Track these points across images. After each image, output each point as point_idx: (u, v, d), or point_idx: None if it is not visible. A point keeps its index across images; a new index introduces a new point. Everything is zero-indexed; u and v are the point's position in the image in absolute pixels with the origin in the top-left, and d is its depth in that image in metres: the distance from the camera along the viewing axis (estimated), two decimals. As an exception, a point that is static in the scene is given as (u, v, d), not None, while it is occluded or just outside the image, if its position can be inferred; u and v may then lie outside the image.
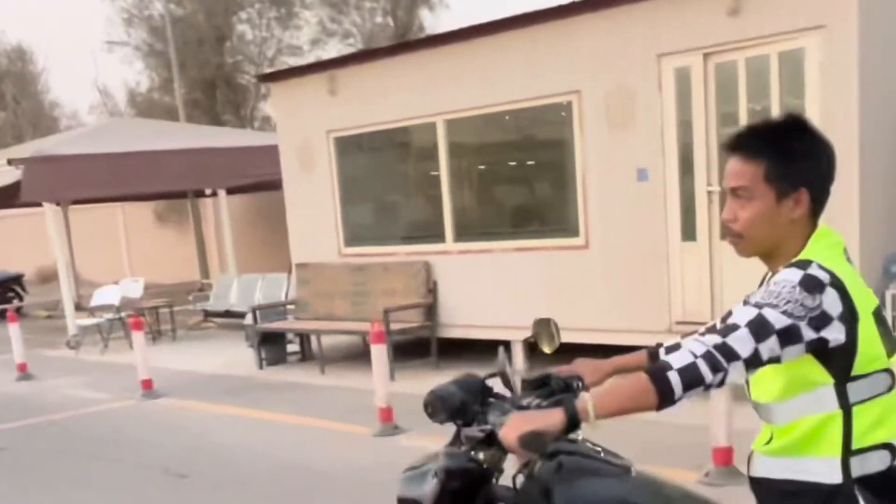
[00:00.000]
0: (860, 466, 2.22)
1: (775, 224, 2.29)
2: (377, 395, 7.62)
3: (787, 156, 2.29)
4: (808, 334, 2.11)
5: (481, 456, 2.28)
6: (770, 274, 2.39)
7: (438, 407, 2.42)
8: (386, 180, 11.54)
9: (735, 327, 2.12)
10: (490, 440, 2.30)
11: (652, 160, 8.62)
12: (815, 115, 7.55)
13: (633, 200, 8.75)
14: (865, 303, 2.20)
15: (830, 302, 2.14)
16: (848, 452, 2.22)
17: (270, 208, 16.32)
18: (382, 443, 7.32)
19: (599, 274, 8.99)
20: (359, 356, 11.45)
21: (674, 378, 2.06)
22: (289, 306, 12.15)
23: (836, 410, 2.22)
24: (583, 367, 2.61)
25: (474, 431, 2.32)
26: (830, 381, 2.20)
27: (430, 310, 10.20)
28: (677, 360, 2.09)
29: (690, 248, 8.42)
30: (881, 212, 7.75)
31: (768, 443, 2.34)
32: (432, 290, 10.28)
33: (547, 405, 2.32)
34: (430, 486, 2.40)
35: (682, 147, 8.51)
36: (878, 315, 2.25)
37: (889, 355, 2.23)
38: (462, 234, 10.28)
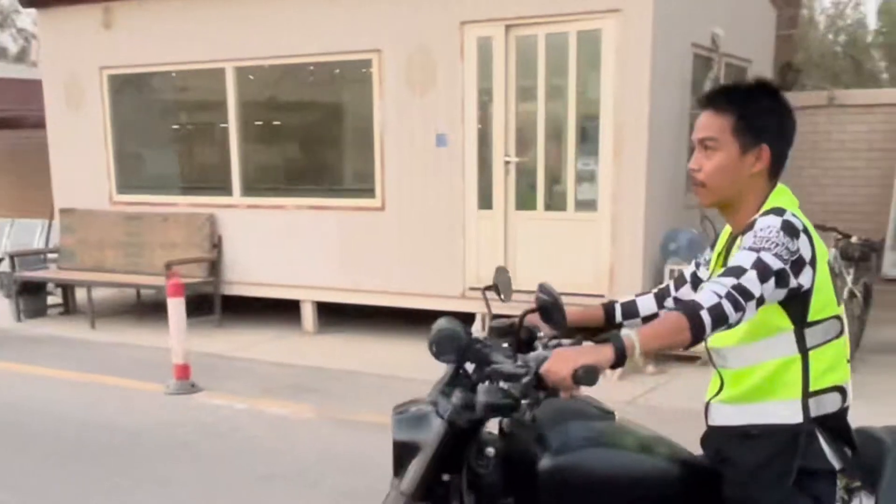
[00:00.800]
0: (816, 408, 2.40)
1: (737, 175, 2.45)
2: (174, 352, 7.28)
3: (753, 112, 2.45)
4: (791, 279, 2.28)
5: (516, 392, 2.23)
6: (730, 232, 2.55)
7: (447, 346, 2.37)
8: (167, 126, 10.88)
9: (742, 270, 2.24)
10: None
11: (451, 127, 8.73)
12: (608, 95, 8.07)
13: (431, 166, 8.83)
14: (822, 251, 2.38)
15: (804, 247, 2.32)
16: (806, 395, 2.39)
17: (29, 147, 14.91)
18: (180, 400, 7.06)
19: (395, 237, 9.03)
20: (131, 310, 10.89)
21: (705, 317, 2.17)
22: (50, 255, 11.26)
23: (795, 355, 2.39)
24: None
25: (509, 367, 2.28)
26: (791, 326, 2.37)
27: (214, 265, 9.83)
28: (705, 300, 2.20)
29: (486, 216, 8.65)
30: (664, 190, 8.33)
31: (719, 392, 2.49)
32: (217, 244, 9.90)
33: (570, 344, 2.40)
34: (436, 427, 2.36)
35: (481, 116, 8.68)
36: (829, 264, 2.45)
37: (837, 303, 2.44)
38: (251, 188, 9.94)
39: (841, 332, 2.44)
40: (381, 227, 9.13)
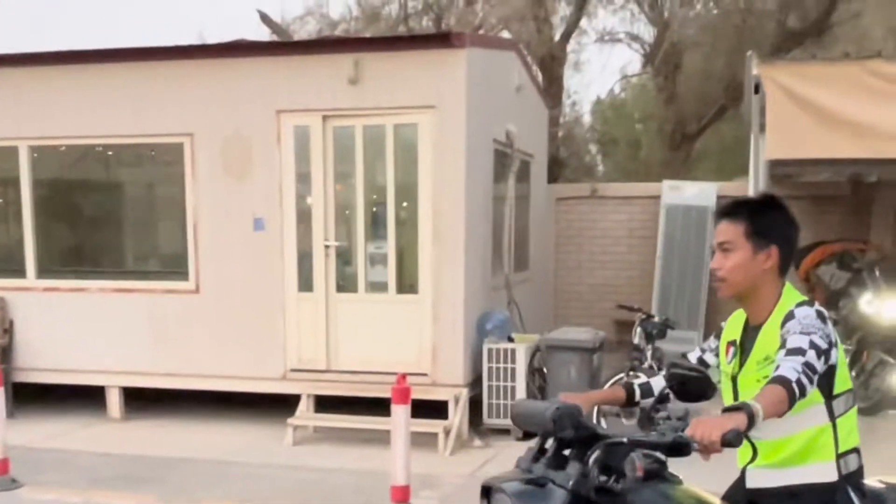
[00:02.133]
0: (845, 466, 2.93)
1: (751, 271, 2.97)
2: (-9, 446, 6.80)
3: (762, 220, 2.98)
4: (830, 358, 2.80)
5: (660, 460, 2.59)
6: (745, 321, 3.07)
7: (566, 422, 2.65)
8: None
9: (803, 350, 2.73)
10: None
11: (269, 211, 8.86)
12: (426, 183, 8.54)
13: (249, 249, 8.89)
14: (836, 335, 2.91)
15: (831, 332, 2.85)
16: (838, 456, 2.92)
17: None
18: (2, 498, 6.56)
19: (212, 319, 8.94)
20: None
21: (795, 388, 2.64)
22: None
23: (827, 423, 2.90)
24: (575, 398, 2.98)
25: (654, 437, 2.59)
26: (822, 399, 2.86)
27: (5, 351, 9.21)
28: (790, 375, 2.66)
29: (307, 299, 8.80)
30: (478, 273, 8.89)
31: (753, 459, 2.92)
32: (8, 329, 9.30)
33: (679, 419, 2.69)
34: (559, 498, 2.61)
35: (300, 201, 8.88)
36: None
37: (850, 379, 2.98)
38: (49, 270, 9.46)
39: (854, 402, 2.99)
40: (195, 310, 9.01)
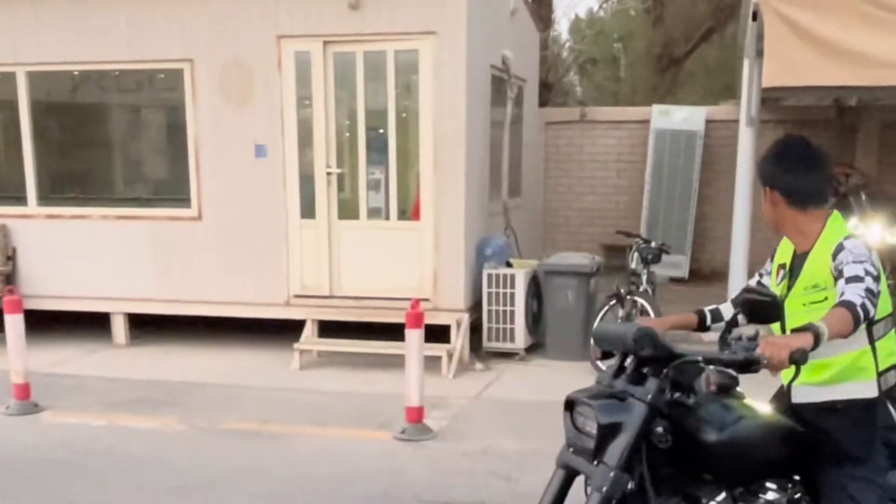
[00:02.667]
0: (884, 383, 3.21)
1: (769, 212, 3.34)
2: (13, 371, 6.95)
3: (761, 170, 3.37)
4: (879, 283, 3.05)
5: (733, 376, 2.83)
6: (793, 250, 3.32)
7: (646, 342, 2.94)
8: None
9: (861, 277, 2.98)
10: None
11: (271, 138, 8.91)
12: (427, 110, 8.63)
13: (251, 176, 8.97)
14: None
15: (876, 260, 3.10)
16: (878, 374, 3.19)
17: None
18: (26, 422, 6.76)
19: (214, 247, 9.06)
20: None
21: (860, 311, 2.89)
22: None
23: (867, 346, 3.15)
24: (651, 322, 3.30)
25: (727, 356, 2.85)
26: (863, 323, 3.02)
27: (9, 279, 9.31)
28: (854, 300, 2.91)
29: (310, 226, 8.93)
30: (477, 200, 9.04)
31: (795, 377, 3.05)
32: (11, 257, 9.39)
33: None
34: (638, 410, 2.90)
35: (301, 128, 8.93)
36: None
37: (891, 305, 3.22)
38: (49, 197, 9.51)
39: (893, 326, 3.23)
40: (198, 237, 9.12)
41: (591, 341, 7.84)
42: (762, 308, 3.06)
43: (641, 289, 8.27)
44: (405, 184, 9.01)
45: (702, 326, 3.48)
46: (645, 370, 3.00)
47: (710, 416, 3.00)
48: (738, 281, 9.92)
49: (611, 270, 9.79)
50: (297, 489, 5.36)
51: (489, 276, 8.66)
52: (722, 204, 12.89)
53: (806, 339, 2.77)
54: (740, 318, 3.40)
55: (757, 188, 10.57)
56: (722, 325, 3.45)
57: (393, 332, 8.37)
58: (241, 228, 9.02)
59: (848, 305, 2.90)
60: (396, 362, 8.08)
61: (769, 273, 3.46)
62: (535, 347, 8.81)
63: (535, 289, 8.82)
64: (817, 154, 3.32)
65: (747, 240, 9.92)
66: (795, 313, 3.17)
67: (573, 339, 8.45)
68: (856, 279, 2.98)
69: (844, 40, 7.94)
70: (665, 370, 2.94)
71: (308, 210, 8.95)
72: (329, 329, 8.82)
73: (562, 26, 23.39)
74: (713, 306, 3.55)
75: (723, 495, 3.07)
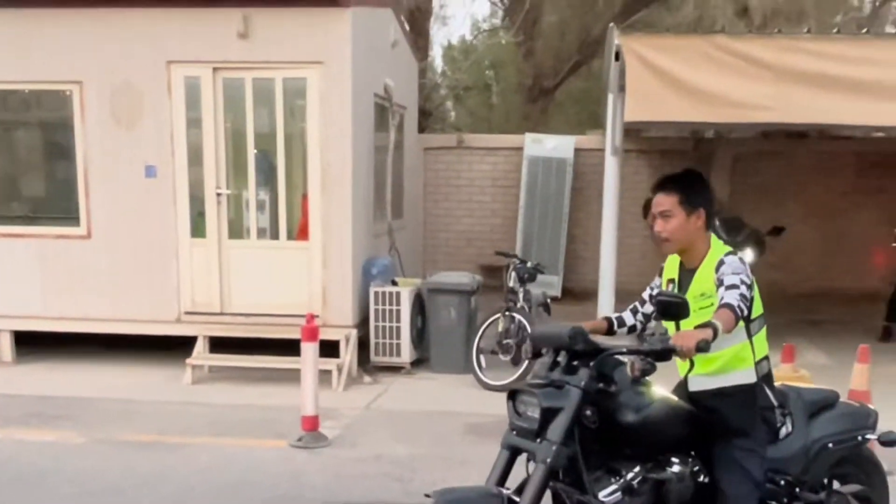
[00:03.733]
0: (760, 370, 3.90)
1: (687, 231, 3.82)
2: None
3: (690, 190, 3.85)
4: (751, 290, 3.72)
5: (655, 364, 3.49)
6: (681, 265, 3.94)
7: (579, 339, 3.57)
8: None
9: (737, 286, 3.62)
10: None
11: (161, 159, 9.13)
12: (314, 136, 9.03)
13: (141, 196, 9.15)
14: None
15: (749, 272, 3.72)
16: (755, 363, 3.87)
17: None
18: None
19: (104, 265, 9.18)
20: None
21: (739, 311, 3.55)
22: None
23: (746, 341, 3.83)
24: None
25: (646, 347, 3.48)
26: (742, 323, 3.70)
27: None
28: (734, 303, 3.54)
29: (200, 244, 9.18)
30: (363, 221, 9.48)
31: (690, 370, 3.86)
32: None
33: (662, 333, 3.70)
34: (574, 395, 3.49)
35: (191, 150, 9.17)
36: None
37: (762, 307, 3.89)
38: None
39: (765, 323, 3.91)
40: (87, 255, 9.23)
41: (474, 355, 8.42)
42: (674, 307, 3.62)
43: (518, 305, 8.86)
44: (293, 205, 9.37)
45: (610, 331, 4.10)
46: (575, 363, 3.60)
47: (629, 401, 3.61)
48: (606, 299, 10.67)
49: (488, 290, 10.37)
50: (201, 494, 5.66)
51: (376, 293, 9.10)
52: (591, 227, 13.76)
53: (707, 333, 3.42)
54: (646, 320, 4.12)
55: (629, 213, 11.38)
56: (625, 330, 4.12)
57: (283, 347, 8.73)
58: (132, 247, 9.19)
59: (729, 307, 3.56)
60: (287, 376, 8.47)
61: (658, 286, 4.08)
62: (420, 362, 9.29)
63: (420, 306, 9.32)
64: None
65: (614, 261, 10.67)
66: (689, 317, 3.74)
67: (456, 353, 8.98)
68: (733, 287, 3.63)
69: (696, 80, 8.79)
70: (593, 361, 3.55)
71: (198, 229, 9.21)
72: (220, 345, 9.07)
73: (435, 52, 24.20)
74: (617, 314, 4.21)
75: (637, 468, 3.68)
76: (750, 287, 3.67)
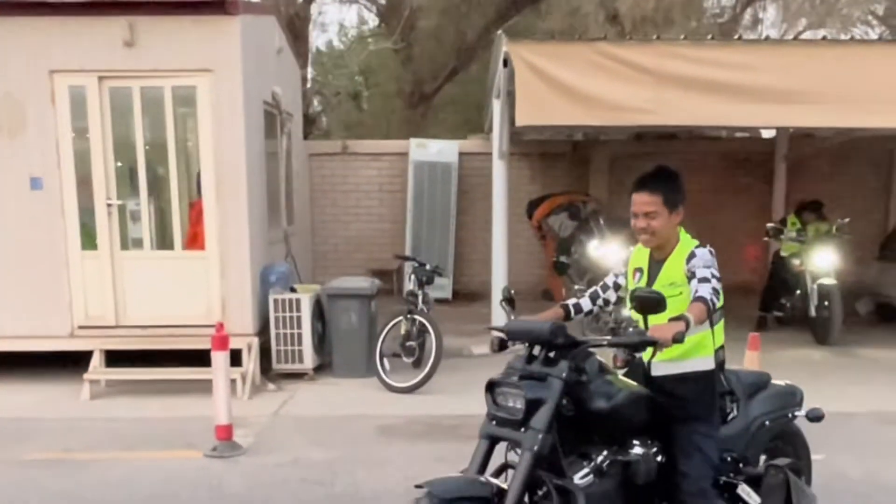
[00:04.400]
0: (717, 358, 4.18)
1: (668, 227, 4.11)
2: None
3: (671, 189, 4.11)
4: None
5: (635, 355, 3.88)
6: (650, 255, 4.21)
7: (560, 333, 3.78)
8: None
9: (708, 279, 3.88)
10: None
11: (47, 170, 8.89)
12: (207, 144, 8.97)
13: (27, 208, 8.89)
14: None
15: (716, 264, 4.00)
16: (714, 351, 4.16)
17: None
18: None
19: (-10, 281, 8.89)
20: None
21: (710, 304, 3.81)
22: None
23: (708, 330, 4.09)
24: (535, 318, 4.15)
25: (625, 339, 3.82)
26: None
27: None
28: (706, 295, 3.81)
29: (92, 257, 8.97)
30: (259, 229, 9.46)
31: (653, 355, 4.10)
32: None
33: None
34: (556, 386, 3.70)
35: (79, 160, 8.96)
36: None
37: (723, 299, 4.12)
38: None
39: (723, 315, 4.17)
40: (-29, 271, 8.90)
41: (377, 359, 8.51)
42: (653, 303, 3.87)
43: (419, 308, 9.02)
44: (186, 214, 9.26)
45: (567, 318, 4.31)
46: (551, 355, 3.82)
47: (599, 389, 3.87)
48: (498, 298, 10.96)
49: (381, 293, 10.48)
50: (121, 509, 5.60)
51: (275, 301, 9.09)
52: (477, 230, 14.08)
53: (681, 325, 3.67)
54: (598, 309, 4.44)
55: (514, 214, 11.70)
56: (581, 316, 4.42)
57: (181, 358, 8.63)
58: (17, 261, 8.90)
59: (702, 300, 3.84)
60: (187, 387, 8.42)
61: (623, 275, 4.37)
62: (323, 367, 9.33)
63: (319, 311, 9.36)
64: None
65: (506, 261, 10.99)
66: None
67: (358, 357, 9.07)
68: (705, 280, 3.91)
69: (582, 85, 9.18)
70: (573, 353, 3.78)
71: (89, 241, 9.00)
72: (114, 359, 8.87)
73: (311, 58, 24.12)
74: (574, 301, 4.43)
75: (605, 451, 3.94)
76: (719, 280, 3.94)
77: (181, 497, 5.79)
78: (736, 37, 15.77)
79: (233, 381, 8.32)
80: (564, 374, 3.74)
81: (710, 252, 4.04)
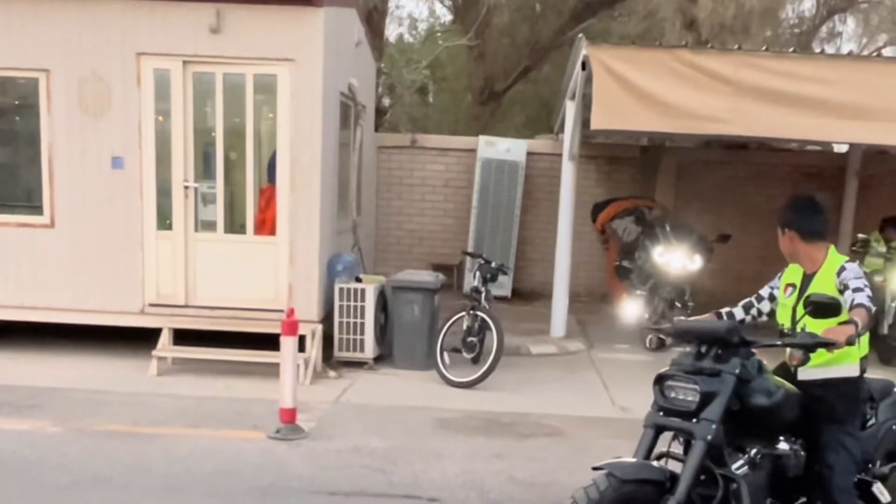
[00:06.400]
0: (861, 366, 4.43)
1: (785, 246, 4.55)
2: None
3: (781, 215, 4.55)
4: None
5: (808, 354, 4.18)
6: (803, 271, 4.52)
7: (735, 333, 4.09)
8: None
9: (862, 288, 4.19)
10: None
11: (128, 150, 9.15)
12: (285, 133, 9.14)
13: (107, 186, 9.15)
14: None
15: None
16: (859, 359, 4.40)
17: None
18: None
19: (68, 255, 9.15)
20: None
21: (871, 311, 4.11)
22: None
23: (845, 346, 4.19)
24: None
25: (798, 340, 4.11)
26: None
27: None
28: (865, 303, 4.11)
29: (166, 237, 9.21)
30: (330, 219, 9.61)
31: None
32: None
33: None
34: (728, 381, 3.98)
35: (160, 142, 9.20)
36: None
37: None
38: None
39: (868, 327, 4.31)
40: (50, 244, 9.18)
41: (438, 353, 8.59)
42: (827, 307, 4.11)
43: (482, 304, 9.10)
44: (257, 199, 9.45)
45: None
46: (720, 352, 4.08)
47: (761, 387, 4.13)
48: (561, 298, 11.02)
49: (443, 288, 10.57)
50: (188, 483, 5.76)
51: (341, 289, 9.24)
52: (539, 230, 14.10)
53: (852, 329, 4.01)
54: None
55: (577, 217, 11.75)
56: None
57: (245, 340, 8.83)
58: (97, 237, 9.18)
59: (863, 307, 4.14)
60: (251, 370, 8.61)
61: (777, 287, 4.68)
62: (382, 357, 9.46)
63: (383, 303, 9.49)
64: (818, 205, 4.54)
65: (569, 263, 11.02)
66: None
67: (418, 350, 9.18)
68: (859, 289, 4.21)
69: (660, 92, 9.18)
70: (742, 351, 4.08)
71: (164, 222, 9.24)
72: (181, 338, 9.10)
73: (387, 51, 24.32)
74: (727, 309, 4.76)
75: (758, 446, 4.20)
76: (871, 290, 4.22)
77: (246, 476, 5.94)
78: (818, 51, 15.54)
79: (296, 367, 8.52)
80: (738, 370, 4.00)
81: (859, 265, 4.40)
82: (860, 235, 11.13)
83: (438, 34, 22.86)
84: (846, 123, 9.06)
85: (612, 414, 8.05)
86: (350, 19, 11.05)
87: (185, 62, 9.13)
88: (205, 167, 9.43)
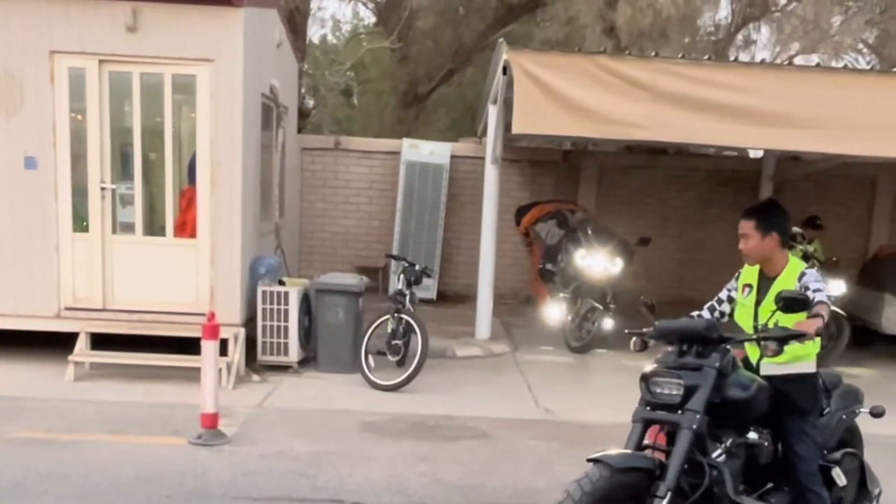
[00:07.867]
0: (817, 362, 4.76)
1: (762, 249, 4.72)
2: None
3: (764, 217, 4.73)
4: None
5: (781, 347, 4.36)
6: (761, 273, 4.79)
7: (714, 330, 4.37)
8: None
9: (821, 290, 4.51)
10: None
11: (42, 150, 8.92)
12: (204, 133, 9.00)
13: (21, 187, 8.90)
14: None
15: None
16: (816, 357, 4.75)
17: None
18: None
19: (-22, 258, 8.88)
20: None
21: (829, 308, 4.40)
22: None
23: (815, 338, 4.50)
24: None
25: (775, 333, 4.35)
26: None
27: None
28: (824, 298, 4.45)
29: (83, 239, 9.00)
30: (250, 220, 9.50)
31: (762, 357, 4.66)
32: None
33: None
34: (710, 375, 4.25)
35: (75, 143, 8.98)
36: None
37: None
38: None
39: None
40: (-41, 248, 8.89)
41: (363, 356, 8.57)
42: (797, 302, 4.37)
43: (406, 307, 9.10)
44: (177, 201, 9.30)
45: None
46: (701, 349, 4.36)
47: (737, 381, 4.41)
48: (485, 301, 11.09)
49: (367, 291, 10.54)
50: (107, 491, 5.64)
51: (264, 293, 9.14)
52: (463, 232, 14.17)
53: (819, 321, 4.34)
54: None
55: (501, 220, 11.80)
56: None
57: (166, 345, 8.68)
58: (10, 239, 8.94)
59: (825, 303, 4.48)
60: (172, 374, 8.46)
61: (734, 289, 4.95)
62: (307, 361, 9.39)
63: (307, 306, 9.42)
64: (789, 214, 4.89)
65: (493, 266, 11.10)
66: (765, 315, 4.66)
67: (343, 353, 9.14)
68: (819, 290, 4.54)
69: (580, 97, 9.30)
70: (721, 347, 4.37)
71: (81, 224, 9.02)
72: (99, 343, 8.90)
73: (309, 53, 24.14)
74: (697, 313, 4.97)
75: (733, 436, 4.47)
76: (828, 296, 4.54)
77: (166, 482, 5.83)
78: (732, 58, 15.94)
79: (218, 371, 8.40)
80: (718, 364, 4.28)
81: (818, 271, 4.80)
82: (795, 229, 11.39)
83: (362, 36, 22.80)
84: (760, 130, 9.29)
85: (537, 416, 8.14)
86: (271, 20, 10.95)
87: (101, 61, 8.94)
88: (123, 168, 9.25)
